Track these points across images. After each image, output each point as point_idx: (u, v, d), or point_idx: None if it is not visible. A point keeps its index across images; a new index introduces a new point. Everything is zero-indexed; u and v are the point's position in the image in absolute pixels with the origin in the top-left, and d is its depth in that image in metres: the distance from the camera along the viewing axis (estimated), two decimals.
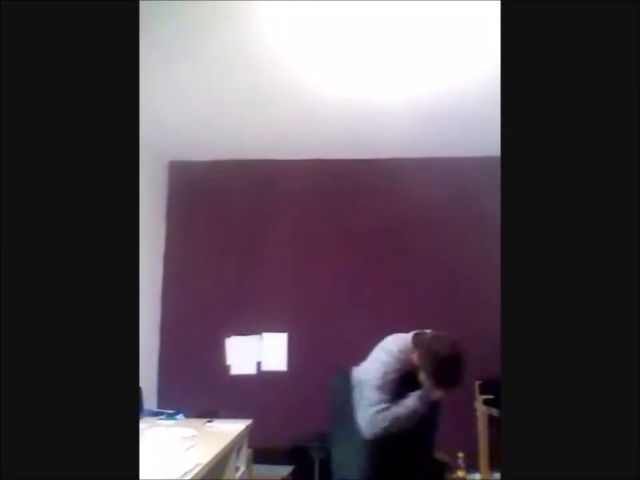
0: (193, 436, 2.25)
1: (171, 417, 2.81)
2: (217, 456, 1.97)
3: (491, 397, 3.19)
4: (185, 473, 1.62)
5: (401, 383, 1.89)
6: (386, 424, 1.84)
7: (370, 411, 1.87)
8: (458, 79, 2.72)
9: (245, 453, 2.75)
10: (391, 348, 1.95)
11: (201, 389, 3.61)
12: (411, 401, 1.86)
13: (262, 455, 3.14)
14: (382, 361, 1.93)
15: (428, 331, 2.00)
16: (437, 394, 1.86)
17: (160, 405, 3.55)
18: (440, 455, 2.00)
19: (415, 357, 1.89)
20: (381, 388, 1.87)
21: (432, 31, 2.29)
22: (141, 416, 2.77)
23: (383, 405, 1.85)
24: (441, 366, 1.83)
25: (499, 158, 1.00)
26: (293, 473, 3.21)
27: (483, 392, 3.28)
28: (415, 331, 2.00)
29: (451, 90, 2.83)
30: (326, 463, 2.37)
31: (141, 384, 3.09)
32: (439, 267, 3.76)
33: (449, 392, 1.86)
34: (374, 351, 2.05)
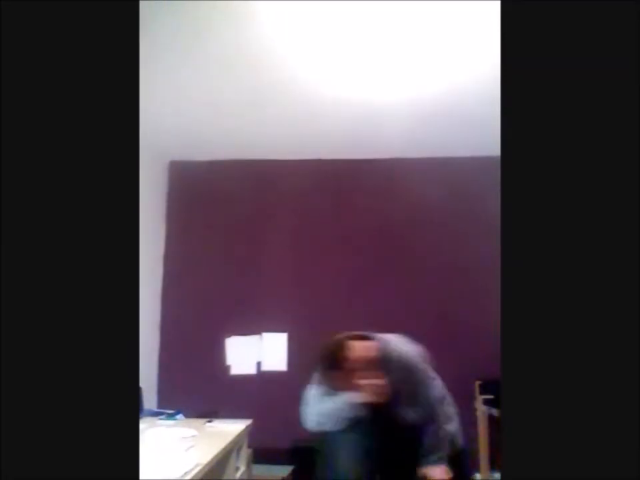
0: (193, 436, 2.25)
1: (170, 417, 2.81)
2: (216, 456, 1.97)
3: (491, 396, 3.19)
4: (185, 473, 1.62)
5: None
6: (314, 418, 1.90)
7: (304, 406, 1.96)
8: (458, 79, 2.72)
9: (245, 452, 2.75)
10: None
11: (201, 389, 3.61)
12: (337, 399, 1.88)
13: (262, 455, 3.14)
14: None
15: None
16: (355, 396, 1.84)
17: (160, 405, 3.55)
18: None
19: None
20: (316, 386, 1.94)
21: (432, 31, 2.29)
22: (141, 416, 2.77)
23: (314, 401, 1.93)
24: (322, 362, 1.90)
25: (499, 158, 1.00)
26: (293, 472, 3.21)
27: (483, 392, 3.28)
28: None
29: (451, 90, 2.83)
30: None
31: (141, 384, 3.08)
32: (439, 266, 3.76)
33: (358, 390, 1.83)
34: None
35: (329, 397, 1.90)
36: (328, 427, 1.88)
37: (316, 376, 1.95)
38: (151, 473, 1.57)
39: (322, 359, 1.89)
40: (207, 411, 3.08)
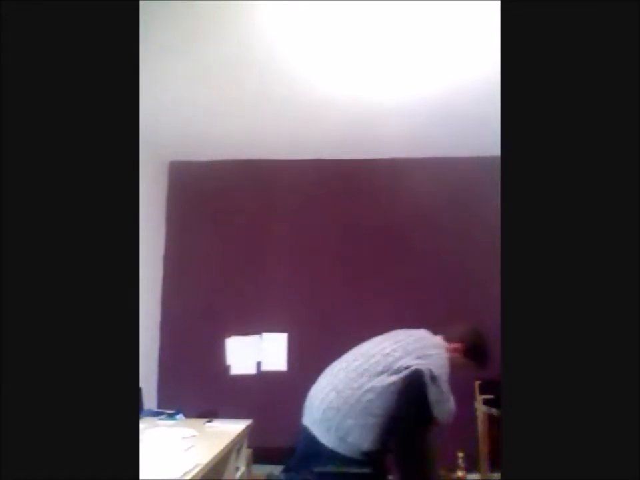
0: (193, 436, 2.25)
1: (171, 417, 2.81)
2: (217, 456, 1.97)
3: (491, 396, 3.19)
4: (185, 473, 1.63)
5: None
6: (450, 411, 1.86)
7: (440, 402, 1.85)
8: (458, 79, 2.72)
9: (245, 452, 2.75)
10: None
11: (201, 389, 3.61)
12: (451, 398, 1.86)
13: (262, 455, 3.14)
14: None
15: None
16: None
17: (160, 405, 3.55)
18: None
19: None
20: (443, 380, 1.88)
21: (432, 31, 2.29)
22: (141, 416, 2.77)
23: (446, 396, 1.88)
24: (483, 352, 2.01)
25: (499, 158, 1.00)
26: None
27: (482, 392, 3.29)
28: None
29: (450, 90, 2.83)
30: None
31: (141, 384, 3.09)
32: (439, 267, 3.76)
33: None
34: None
35: (448, 396, 1.76)
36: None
37: (443, 368, 1.77)
38: (151, 473, 1.57)
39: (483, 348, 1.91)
40: (207, 410, 3.08)
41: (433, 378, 1.69)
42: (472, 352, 1.91)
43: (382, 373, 1.72)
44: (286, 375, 3.68)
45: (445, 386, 1.72)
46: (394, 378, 1.70)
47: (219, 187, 3.99)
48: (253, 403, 3.45)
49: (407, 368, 1.71)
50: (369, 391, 1.68)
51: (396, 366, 1.73)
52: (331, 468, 1.68)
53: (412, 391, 1.67)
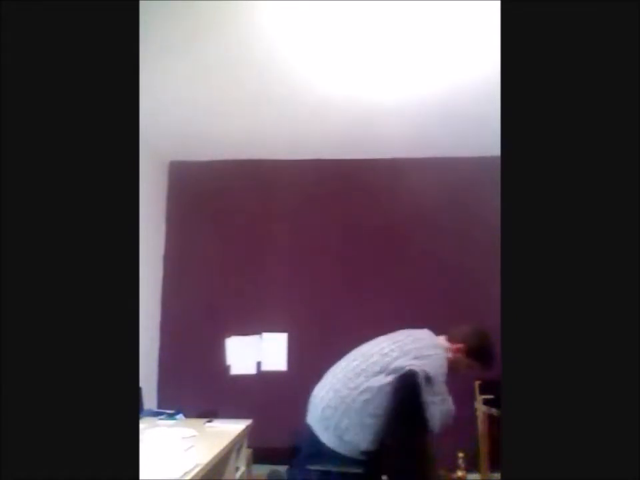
0: (193, 436, 2.25)
1: (171, 417, 2.81)
2: (216, 456, 1.97)
3: (491, 396, 3.19)
4: (185, 473, 1.62)
5: None
6: (441, 418, 1.77)
7: (429, 405, 1.77)
8: (458, 79, 2.72)
9: (245, 452, 2.75)
10: None
11: (201, 389, 3.61)
12: (449, 400, 1.78)
13: (262, 455, 3.14)
14: None
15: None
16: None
17: (160, 405, 3.55)
18: None
19: None
20: (439, 382, 1.81)
21: (432, 31, 2.29)
22: (140, 416, 2.77)
23: (440, 399, 1.78)
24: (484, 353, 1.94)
25: (499, 158, 1.00)
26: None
27: (482, 392, 3.29)
28: None
29: (450, 90, 2.83)
30: None
31: (141, 384, 3.09)
32: (439, 267, 3.76)
33: None
34: None
35: (444, 397, 1.71)
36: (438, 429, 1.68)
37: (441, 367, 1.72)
38: (151, 473, 1.57)
39: (485, 350, 1.86)
40: (207, 410, 3.08)
41: (428, 379, 1.65)
42: (475, 353, 1.89)
43: (379, 373, 1.70)
44: (286, 375, 3.68)
45: (442, 387, 1.69)
46: (390, 378, 1.67)
47: (219, 186, 3.99)
48: (253, 403, 3.45)
49: (403, 368, 1.68)
50: (365, 390, 1.67)
51: (392, 366, 1.70)
52: (331, 467, 1.68)
53: (404, 391, 1.64)
